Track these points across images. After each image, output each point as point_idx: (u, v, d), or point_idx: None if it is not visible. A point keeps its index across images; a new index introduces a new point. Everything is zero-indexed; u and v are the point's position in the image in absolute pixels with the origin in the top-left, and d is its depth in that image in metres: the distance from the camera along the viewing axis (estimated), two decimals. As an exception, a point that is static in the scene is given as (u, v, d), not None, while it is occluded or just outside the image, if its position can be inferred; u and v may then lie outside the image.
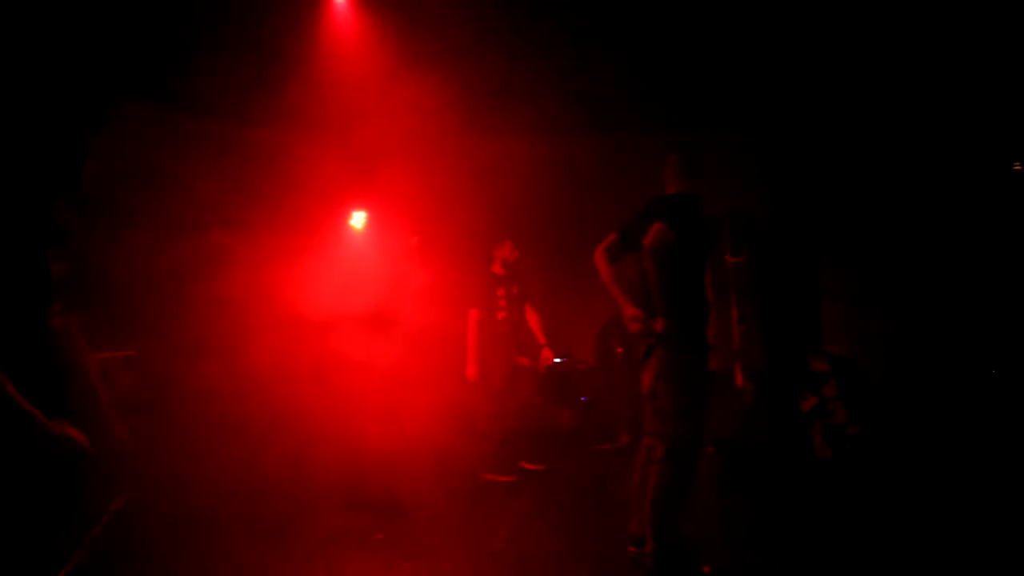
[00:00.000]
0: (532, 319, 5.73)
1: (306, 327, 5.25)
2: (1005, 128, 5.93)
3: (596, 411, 6.78)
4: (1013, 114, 5.67)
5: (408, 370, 5.36)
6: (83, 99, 1.65)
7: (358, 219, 6.69)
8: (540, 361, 5.76)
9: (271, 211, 5.68)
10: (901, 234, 6.24)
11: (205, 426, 4.34)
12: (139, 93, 5.57)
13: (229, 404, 4.60)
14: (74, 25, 3.59)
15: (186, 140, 6.02)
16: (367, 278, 5.89)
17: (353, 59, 5.13)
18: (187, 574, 3.46)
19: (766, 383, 5.92)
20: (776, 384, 5.87)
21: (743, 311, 6.12)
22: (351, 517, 4.20)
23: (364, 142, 6.33)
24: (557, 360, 6.98)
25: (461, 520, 4.21)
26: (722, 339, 6.46)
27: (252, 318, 4.97)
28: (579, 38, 5.01)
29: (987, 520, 3.75)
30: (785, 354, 6.05)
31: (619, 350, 6.82)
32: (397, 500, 4.46)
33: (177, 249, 5.35)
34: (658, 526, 3.10)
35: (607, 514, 4.30)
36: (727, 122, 6.55)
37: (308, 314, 5.23)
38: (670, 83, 5.73)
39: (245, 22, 4.60)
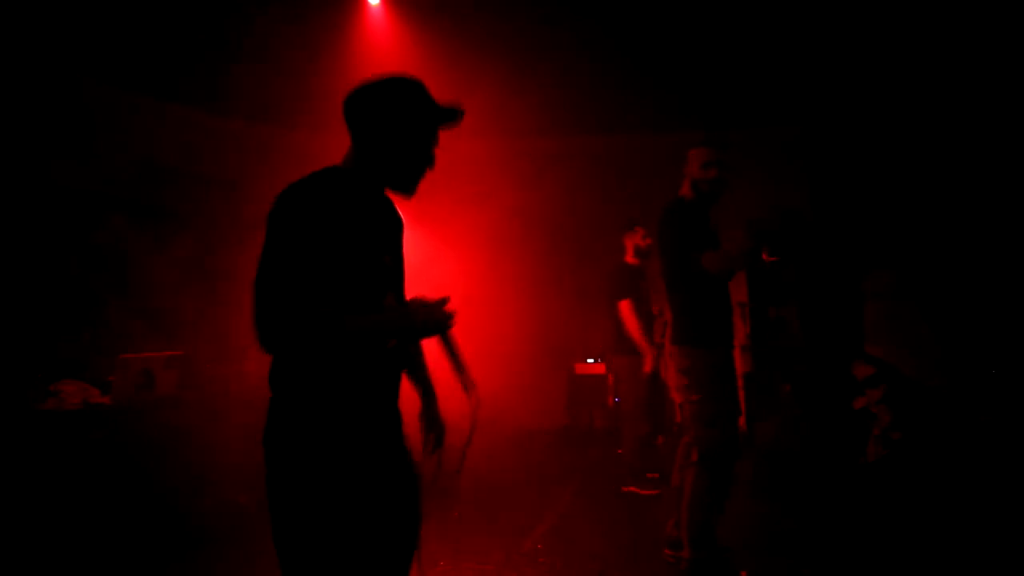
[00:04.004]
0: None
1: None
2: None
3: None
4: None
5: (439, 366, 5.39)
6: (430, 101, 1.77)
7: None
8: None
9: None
10: (945, 235, 6.07)
11: (247, 423, 4.45)
12: (184, 97, 5.72)
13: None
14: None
15: (232, 144, 6.15)
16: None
17: (389, 62, 5.19)
18: (225, 569, 3.55)
19: (805, 385, 5.82)
20: (815, 386, 5.77)
21: (781, 312, 6.04)
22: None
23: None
24: (590, 361, 7.00)
25: (496, 520, 4.23)
26: (759, 340, 6.38)
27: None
28: (613, 34, 4.98)
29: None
30: (824, 356, 5.95)
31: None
32: (429, 500, 4.50)
33: (223, 251, 5.48)
34: (694, 530, 3.08)
35: (643, 515, 4.29)
36: (767, 118, 6.46)
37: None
38: (711, 77, 5.64)
39: (286, 26, 4.69)
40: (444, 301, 1.66)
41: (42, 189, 4.77)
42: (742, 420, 3.49)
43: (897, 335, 6.03)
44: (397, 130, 1.71)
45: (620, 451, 6.09)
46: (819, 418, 5.47)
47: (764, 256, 3.09)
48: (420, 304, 1.65)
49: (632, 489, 4.86)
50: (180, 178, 5.70)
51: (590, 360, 6.99)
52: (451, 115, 1.78)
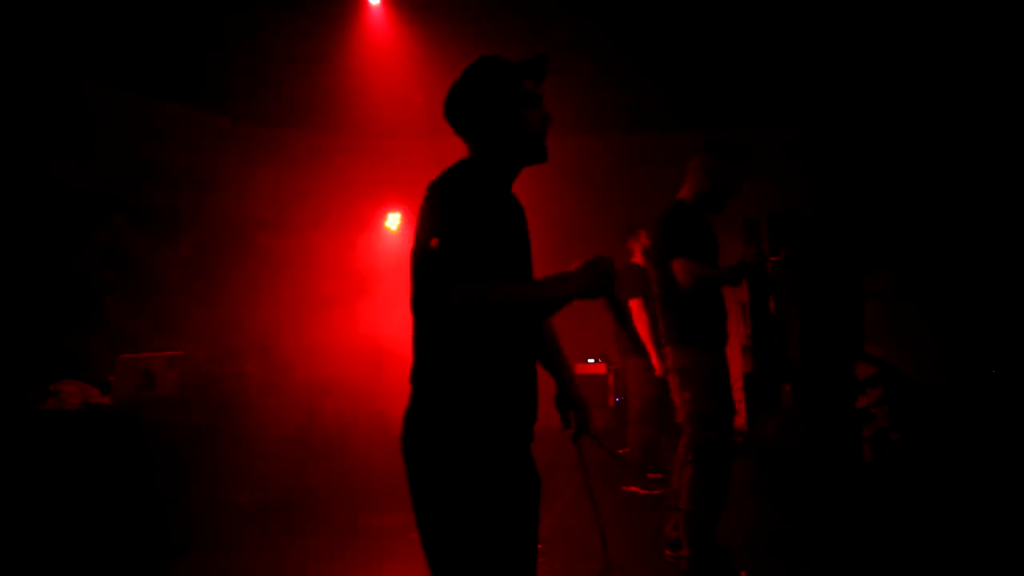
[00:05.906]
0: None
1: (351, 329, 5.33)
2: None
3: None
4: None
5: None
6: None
7: (393, 221, 6.78)
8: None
9: (312, 212, 5.79)
10: (945, 235, 6.07)
11: (247, 424, 4.45)
12: (185, 97, 5.72)
13: (270, 402, 4.71)
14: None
15: (231, 144, 6.14)
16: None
17: (389, 62, 5.19)
18: (225, 569, 3.55)
19: (804, 385, 5.82)
20: (815, 386, 5.77)
21: (781, 311, 6.03)
22: (387, 515, 4.25)
23: (398, 144, 6.39)
24: (590, 361, 6.99)
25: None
26: (759, 340, 6.37)
27: (298, 319, 5.07)
28: (614, 34, 4.98)
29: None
30: (824, 356, 5.94)
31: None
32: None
33: (223, 250, 5.48)
34: (693, 530, 3.08)
35: (643, 515, 4.29)
36: (767, 119, 6.46)
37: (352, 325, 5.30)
38: (711, 77, 5.64)
39: (286, 26, 4.69)
40: (610, 260, 1.58)
41: (42, 189, 4.77)
42: (740, 420, 3.49)
43: (897, 335, 6.03)
44: (494, 108, 1.67)
45: (621, 451, 6.10)
46: (819, 418, 5.47)
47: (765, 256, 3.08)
48: (587, 261, 1.57)
49: (633, 489, 4.86)
50: (180, 178, 5.71)
51: (590, 360, 6.99)
52: (533, 66, 1.70)
